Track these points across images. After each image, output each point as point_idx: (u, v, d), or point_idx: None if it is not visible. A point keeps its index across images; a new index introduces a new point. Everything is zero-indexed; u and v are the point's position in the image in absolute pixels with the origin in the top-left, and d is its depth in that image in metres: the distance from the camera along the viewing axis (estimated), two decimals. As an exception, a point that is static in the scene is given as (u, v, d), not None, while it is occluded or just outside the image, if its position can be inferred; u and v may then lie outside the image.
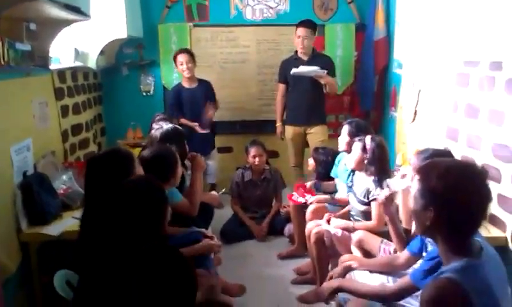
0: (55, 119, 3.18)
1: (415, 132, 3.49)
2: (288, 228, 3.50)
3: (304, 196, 3.10)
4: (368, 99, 4.31)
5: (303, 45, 3.78)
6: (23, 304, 2.47)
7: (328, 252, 2.68)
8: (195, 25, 4.37)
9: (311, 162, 3.43)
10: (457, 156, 2.72)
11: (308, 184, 3.25)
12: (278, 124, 4.12)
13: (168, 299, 1.18)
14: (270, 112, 4.44)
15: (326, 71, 3.72)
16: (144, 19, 4.23)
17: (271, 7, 4.40)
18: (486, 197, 1.27)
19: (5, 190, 2.37)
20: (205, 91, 3.98)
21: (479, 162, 2.49)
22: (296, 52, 3.90)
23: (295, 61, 3.85)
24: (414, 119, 3.49)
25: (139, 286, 1.18)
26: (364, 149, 2.59)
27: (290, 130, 4.01)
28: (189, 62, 3.85)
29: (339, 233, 2.61)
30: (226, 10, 4.38)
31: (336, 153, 3.20)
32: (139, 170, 1.97)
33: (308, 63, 3.77)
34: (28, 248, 2.49)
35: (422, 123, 3.35)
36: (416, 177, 1.34)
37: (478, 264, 1.25)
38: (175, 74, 4.36)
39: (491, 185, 2.28)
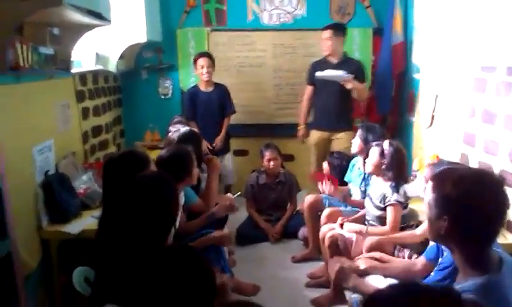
0: (76, 121, 3.27)
1: (432, 137, 3.47)
2: (303, 231, 3.51)
3: (326, 181, 3.02)
4: (386, 103, 4.29)
5: (326, 47, 3.76)
6: (44, 299, 2.54)
7: (342, 256, 2.68)
8: (213, 30, 4.43)
9: (325, 166, 3.43)
10: (474, 162, 2.71)
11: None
12: (301, 126, 4.05)
13: (184, 299, 1.17)
14: (285, 116, 4.47)
15: (352, 76, 3.62)
16: (163, 24, 4.31)
17: (288, 12, 4.42)
18: (503, 204, 1.22)
19: (27, 188, 2.46)
20: (220, 96, 4.03)
21: (496, 169, 2.47)
22: (326, 55, 3.84)
23: (323, 63, 3.81)
24: (431, 124, 3.46)
25: (156, 287, 1.17)
26: (382, 154, 2.59)
27: (315, 135, 3.94)
28: (209, 67, 3.89)
29: (353, 237, 2.61)
30: (243, 15, 4.43)
31: (351, 157, 3.21)
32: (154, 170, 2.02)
33: (337, 67, 3.71)
34: (49, 245, 2.57)
35: (439, 128, 3.32)
36: (430, 184, 1.31)
37: (498, 281, 1.20)
38: (193, 78, 4.43)
39: (508, 191, 2.29)
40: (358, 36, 4.39)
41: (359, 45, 4.40)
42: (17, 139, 2.35)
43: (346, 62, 3.80)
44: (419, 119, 3.77)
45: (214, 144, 3.96)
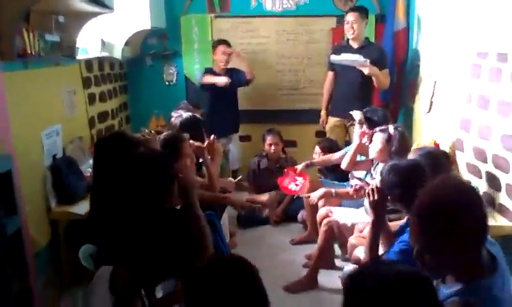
0: (82, 107, 3.37)
1: (430, 123, 3.51)
2: (302, 214, 3.60)
3: (295, 181, 3.19)
4: (388, 90, 4.32)
5: (353, 30, 3.66)
6: (52, 276, 2.67)
7: (333, 243, 2.79)
8: (216, 16, 4.48)
9: (317, 149, 3.52)
10: (469, 147, 2.76)
11: (299, 167, 3.32)
12: (323, 112, 4.05)
13: (165, 254, 1.32)
14: (288, 102, 4.53)
15: (368, 61, 3.50)
16: (167, 11, 4.35)
17: (291, -2, 4.46)
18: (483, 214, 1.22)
19: (36, 171, 2.58)
20: (231, 75, 4.08)
21: (489, 153, 2.52)
22: (348, 40, 3.80)
23: (343, 48, 3.76)
24: (430, 109, 3.50)
25: (141, 244, 1.31)
26: (389, 139, 2.61)
27: (331, 121, 3.92)
28: (229, 56, 4.02)
29: (348, 223, 2.71)
30: (246, 1, 4.46)
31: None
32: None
33: (357, 52, 3.63)
34: (57, 225, 2.70)
35: (437, 114, 3.37)
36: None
37: (490, 283, 1.21)
38: (197, 65, 4.50)
39: (501, 175, 2.35)
40: (360, 22, 4.40)
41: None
42: (26, 124, 2.47)
43: (367, 47, 3.72)
44: (419, 106, 3.81)
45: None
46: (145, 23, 3.79)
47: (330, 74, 3.94)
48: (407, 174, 1.83)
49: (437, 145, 3.05)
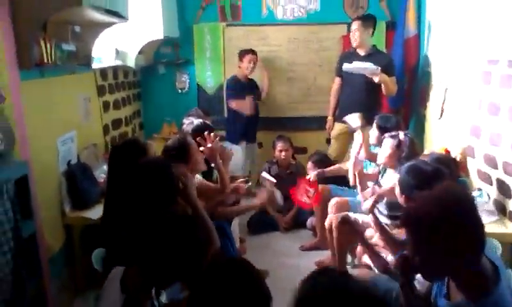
0: (97, 114, 3.45)
1: (441, 129, 3.50)
2: (311, 221, 3.62)
3: (307, 193, 3.22)
4: (398, 98, 4.32)
5: (354, 38, 3.76)
6: (67, 279, 2.73)
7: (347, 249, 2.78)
8: (228, 25, 4.55)
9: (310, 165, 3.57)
10: (480, 154, 2.75)
11: (312, 176, 3.35)
12: (329, 118, 4.11)
13: (176, 257, 1.35)
14: (299, 109, 4.56)
15: (379, 68, 3.52)
16: (180, 20, 4.44)
17: (302, 7, 4.50)
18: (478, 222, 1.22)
19: (51, 177, 2.65)
20: (253, 87, 4.29)
21: (499, 160, 2.51)
22: (355, 48, 3.85)
23: (351, 55, 3.82)
24: (441, 116, 3.49)
25: (153, 247, 1.34)
26: (399, 145, 2.61)
27: (336, 128, 3.98)
28: (255, 63, 4.15)
29: (359, 220, 2.71)
30: (258, 10, 4.53)
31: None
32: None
33: (365, 59, 3.69)
34: (72, 230, 2.76)
35: (448, 121, 3.36)
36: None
37: (495, 298, 1.19)
38: (209, 72, 4.57)
39: (510, 180, 2.34)
40: (371, 29, 4.43)
41: (372, 38, 4.42)
42: (42, 131, 2.54)
43: (374, 55, 3.78)
44: (430, 112, 3.80)
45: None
46: (158, 33, 3.87)
47: (337, 80, 3.99)
48: (428, 179, 1.83)
49: (448, 152, 3.05)
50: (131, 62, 3.95)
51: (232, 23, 4.55)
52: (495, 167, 2.58)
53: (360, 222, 2.71)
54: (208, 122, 3.13)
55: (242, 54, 4.18)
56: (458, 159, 2.94)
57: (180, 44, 4.59)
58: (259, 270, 1.28)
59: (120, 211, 1.87)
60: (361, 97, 3.71)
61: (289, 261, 3.23)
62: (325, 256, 3.16)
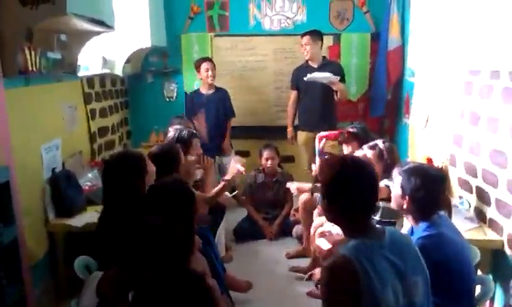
0: (83, 122, 3.46)
1: (425, 138, 3.56)
2: (296, 230, 3.64)
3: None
4: (379, 106, 4.41)
5: (306, 51, 3.98)
6: (49, 287, 2.72)
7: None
8: (216, 35, 4.60)
9: (314, 168, 3.55)
10: (460, 162, 2.81)
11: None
12: (289, 129, 4.29)
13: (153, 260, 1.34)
14: (286, 118, 4.58)
15: (338, 78, 3.87)
16: (168, 29, 4.48)
17: (289, 18, 4.57)
18: (363, 182, 1.44)
19: (35, 184, 2.65)
20: (221, 98, 4.21)
21: (479, 169, 2.57)
22: (307, 61, 4.07)
23: (306, 68, 4.02)
24: (425, 125, 3.55)
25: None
26: (381, 155, 2.64)
27: (302, 135, 4.17)
28: (213, 70, 4.10)
29: (341, 233, 2.73)
30: (245, 20, 4.58)
31: None
32: (151, 167, 2.18)
33: (319, 70, 3.93)
34: (55, 238, 2.75)
35: (432, 130, 3.41)
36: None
37: (371, 246, 1.38)
38: (197, 81, 4.60)
39: (489, 189, 2.39)
40: (356, 40, 4.52)
41: (357, 49, 4.52)
42: (26, 138, 2.54)
43: (327, 65, 4.03)
44: (414, 121, 3.87)
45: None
46: (146, 42, 3.91)
47: (294, 93, 4.22)
48: (433, 180, 1.87)
49: (430, 160, 3.10)
50: (118, 71, 3.97)
51: (220, 33, 4.60)
52: (475, 175, 2.63)
53: (336, 233, 2.73)
54: (193, 130, 3.15)
55: (198, 63, 4.14)
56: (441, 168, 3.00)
57: (168, 53, 4.62)
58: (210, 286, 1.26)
59: (116, 222, 1.86)
60: (318, 104, 4.03)
61: (276, 269, 3.24)
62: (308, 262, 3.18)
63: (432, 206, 1.87)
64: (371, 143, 2.74)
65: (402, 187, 1.88)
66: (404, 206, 1.88)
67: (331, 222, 1.59)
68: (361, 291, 1.29)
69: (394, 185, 1.95)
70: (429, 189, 1.84)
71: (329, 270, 1.35)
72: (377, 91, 4.41)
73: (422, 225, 1.84)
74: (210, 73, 4.07)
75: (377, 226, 1.49)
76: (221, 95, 4.22)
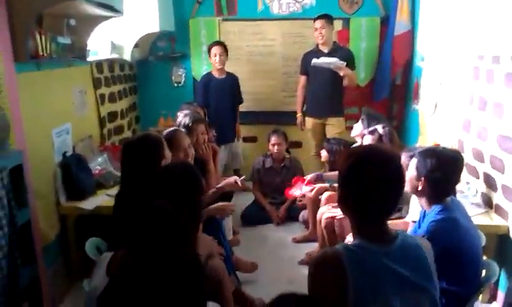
0: (93, 106, 3.49)
1: (434, 123, 3.55)
2: (303, 214, 3.68)
3: (300, 187, 3.30)
4: (383, 90, 4.39)
5: (321, 35, 3.94)
6: (61, 268, 2.79)
7: (337, 236, 2.84)
8: (224, 20, 4.58)
9: (324, 153, 3.57)
10: (468, 148, 2.80)
11: (308, 177, 3.42)
12: (299, 115, 4.29)
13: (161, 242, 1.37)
14: (294, 103, 4.56)
15: (345, 63, 3.86)
16: (176, 14, 4.47)
17: (297, 2, 4.53)
18: (385, 182, 1.26)
19: (47, 167, 2.69)
20: (231, 83, 4.22)
21: (486, 154, 2.56)
22: (317, 45, 4.06)
23: (316, 53, 4.01)
24: (434, 111, 3.53)
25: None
26: (380, 139, 2.68)
27: (310, 121, 4.18)
28: (222, 55, 4.08)
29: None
30: (253, 5, 4.55)
31: (349, 144, 3.34)
32: (167, 152, 2.21)
33: (329, 55, 3.92)
34: (66, 220, 2.81)
35: (442, 115, 3.40)
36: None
37: (374, 250, 1.25)
38: (204, 66, 4.61)
39: (496, 175, 2.39)
40: (365, 24, 4.47)
41: (366, 33, 4.48)
42: (37, 122, 2.58)
43: (337, 51, 4.00)
44: (423, 107, 3.85)
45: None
46: (154, 26, 3.91)
47: (303, 78, 4.20)
48: (449, 161, 1.87)
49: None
50: (127, 56, 3.99)
51: (228, 17, 4.58)
52: (482, 161, 2.63)
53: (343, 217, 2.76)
54: (200, 113, 3.18)
55: (209, 47, 4.14)
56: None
57: (176, 38, 4.62)
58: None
59: (133, 204, 1.89)
60: (327, 90, 3.99)
61: (282, 253, 3.28)
62: (316, 247, 3.21)
63: (448, 187, 1.88)
64: (371, 128, 2.77)
65: (417, 168, 1.88)
66: (419, 188, 1.88)
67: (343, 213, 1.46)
68: (347, 292, 1.20)
69: (409, 167, 1.96)
70: (445, 170, 1.83)
71: (316, 260, 1.28)
72: (381, 74, 4.40)
73: (436, 208, 1.84)
74: (218, 58, 4.07)
75: (391, 230, 1.33)
76: (232, 80, 4.23)
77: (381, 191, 1.26)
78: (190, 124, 2.96)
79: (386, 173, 1.26)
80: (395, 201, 1.30)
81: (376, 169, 1.26)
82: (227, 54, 4.14)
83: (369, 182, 1.26)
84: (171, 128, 2.73)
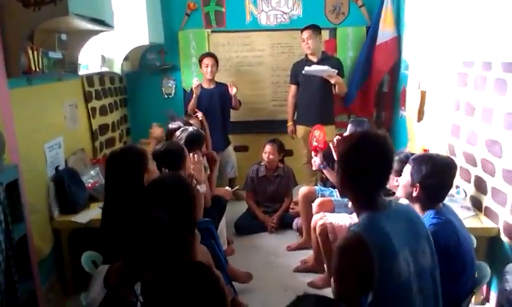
0: (85, 120, 3.49)
1: (422, 130, 3.61)
2: (296, 222, 3.71)
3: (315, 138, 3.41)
4: (349, 97, 4.47)
5: (308, 46, 4.02)
6: (56, 282, 2.77)
7: (331, 242, 2.86)
8: (213, 31, 4.63)
9: (314, 162, 3.61)
10: (459, 152, 2.86)
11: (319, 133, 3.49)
12: (289, 123, 4.35)
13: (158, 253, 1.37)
14: (283, 112, 4.63)
15: (336, 71, 3.94)
16: (165, 27, 4.51)
17: (285, 13, 4.60)
18: (382, 159, 1.48)
19: (39, 182, 2.69)
20: (221, 92, 4.27)
21: (477, 158, 2.62)
22: (306, 55, 4.13)
23: (305, 62, 4.08)
24: (420, 119, 3.60)
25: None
26: None
27: (301, 130, 4.23)
28: (213, 66, 4.18)
29: (342, 225, 2.81)
30: (242, 16, 4.61)
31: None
32: (152, 165, 2.23)
33: (318, 64, 3.99)
34: (60, 234, 2.80)
35: (429, 121, 3.46)
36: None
37: (380, 217, 1.45)
38: (195, 77, 4.63)
39: (486, 177, 2.44)
40: (351, 34, 4.56)
41: (352, 42, 4.57)
42: (30, 137, 2.58)
43: (326, 60, 4.09)
44: (409, 114, 3.92)
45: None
46: (144, 39, 3.93)
47: (293, 87, 4.27)
48: (444, 168, 1.93)
49: (426, 151, 3.17)
50: (117, 69, 4.00)
51: (217, 29, 4.64)
52: (474, 164, 2.68)
53: (336, 224, 2.81)
54: (196, 127, 3.19)
55: (200, 58, 4.24)
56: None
57: (165, 50, 4.65)
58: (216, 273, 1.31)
59: (119, 216, 1.90)
60: (317, 99, 4.07)
61: (276, 261, 3.30)
62: (310, 255, 3.23)
63: (442, 193, 1.93)
64: None
65: (411, 174, 1.92)
66: (414, 194, 1.91)
67: (343, 194, 1.68)
68: (373, 265, 1.34)
69: (403, 173, 2.00)
70: (440, 176, 1.89)
71: (342, 248, 1.40)
72: (352, 81, 4.50)
73: (430, 213, 1.88)
74: (209, 69, 4.15)
75: (383, 198, 1.53)
76: (221, 89, 4.28)
77: (379, 165, 1.47)
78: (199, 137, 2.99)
79: (383, 149, 1.47)
80: (389, 173, 1.51)
81: (374, 146, 1.46)
82: (217, 65, 4.22)
83: (370, 158, 1.45)
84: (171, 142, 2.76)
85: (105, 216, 2.18)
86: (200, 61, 4.22)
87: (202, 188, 2.74)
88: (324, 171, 3.40)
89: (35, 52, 2.50)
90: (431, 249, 1.52)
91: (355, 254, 1.38)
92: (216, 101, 4.23)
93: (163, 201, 1.82)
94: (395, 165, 2.07)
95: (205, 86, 4.25)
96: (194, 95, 4.11)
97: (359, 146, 1.48)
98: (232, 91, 4.21)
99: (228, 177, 4.50)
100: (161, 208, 1.77)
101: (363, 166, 1.46)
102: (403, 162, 2.10)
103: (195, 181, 2.46)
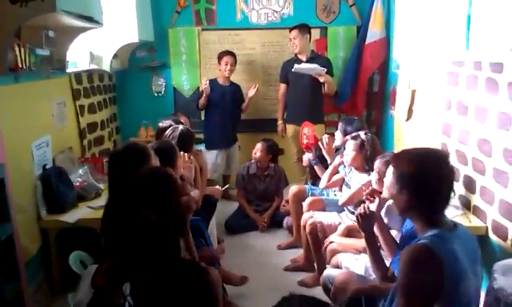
0: (73, 118, 3.45)
1: (411, 130, 3.63)
2: (287, 220, 3.71)
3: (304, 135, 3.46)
4: (341, 97, 4.47)
5: (295, 45, 4.06)
6: (43, 282, 2.73)
7: (320, 241, 2.87)
8: (203, 29, 4.61)
9: (305, 158, 3.62)
10: (452, 151, 2.86)
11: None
12: (280, 122, 4.37)
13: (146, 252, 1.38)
14: (274, 111, 4.63)
15: (325, 70, 3.96)
16: (155, 24, 4.47)
17: (276, 11, 4.60)
18: (449, 176, 1.48)
19: (27, 181, 2.64)
20: (234, 91, 4.37)
21: (468, 157, 2.64)
22: (296, 54, 4.14)
23: (295, 61, 4.10)
24: (408, 118, 3.62)
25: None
26: (362, 146, 2.73)
27: (290, 128, 4.24)
28: (232, 65, 4.25)
29: (331, 224, 2.81)
30: (232, 14, 4.60)
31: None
32: (155, 161, 2.21)
33: (307, 63, 4.01)
34: (47, 234, 2.76)
35: (418, 121, 3.48)
36: (390, 167, 1.57)
37: (449, 236, 1.43)
38: (185, 75, 4.62)
39: (477, 177, 2.45)
40: (342, 33, 4.57)
41: (343, 42, 4.58)
42: (17, 135, 2.54)
43: (315, 59, 4.12)
44: (399, 113, 3.94)
45: None
46: (133, 37, 3.89)
47: (283, 86, 4.30)
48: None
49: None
50: (106, 66, 3.96)
51: (207, 27, 4.61)
52: (465, 163, 2.70)
53: (326, 223, 2.81)
54: (187, 126, 3.18)
55: (220, 56, 4.28)
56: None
57: (155, 48, 4.62)
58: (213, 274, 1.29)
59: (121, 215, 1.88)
60: (307, 98, 4.10)
61: (267, 260, 3.30)
62: (300, 254, 3.23)
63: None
64: (354, 134, 2.84)
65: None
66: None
67: (404, 213, 1.57)
68: (443, 280, 1.33)
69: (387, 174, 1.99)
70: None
71: (412, 259, 1.37)
72: (343, 81, 4.50)
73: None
74: (228, 67, 4.22)
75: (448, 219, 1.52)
76: (234, 88, 4.38)
77: (448, 182, 1.48)
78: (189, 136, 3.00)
79: (449, 165, 1.48)
80: (452, 190, 1.50)
81: (442, 164, 1.47)
82: (236, 65, 4.29)
83: (441, 177, 1.45)
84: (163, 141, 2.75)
85: (107, 214, 2.14)
86: (220, 58, 4.25)
87: (195, 193, 2.75)
88: (315, 167, 3.42)
89: (22, 49, 2.46)
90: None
91: (428, 268, 1.35)
92: (228, 99, 4.30)
93: (143, 195, 1.82)
94: (382, 168, 2.09)
95: (220, 81, 4.31)
96: (204, 95, 4.15)
97: (428, 165, 1.47)
98: (250, 92, 4.30)
99: (226, 174, 4.52)
100: (143, 202, 1.77)
101: (435, 185, 1.45)
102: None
103: (189, 186, 2.45)
